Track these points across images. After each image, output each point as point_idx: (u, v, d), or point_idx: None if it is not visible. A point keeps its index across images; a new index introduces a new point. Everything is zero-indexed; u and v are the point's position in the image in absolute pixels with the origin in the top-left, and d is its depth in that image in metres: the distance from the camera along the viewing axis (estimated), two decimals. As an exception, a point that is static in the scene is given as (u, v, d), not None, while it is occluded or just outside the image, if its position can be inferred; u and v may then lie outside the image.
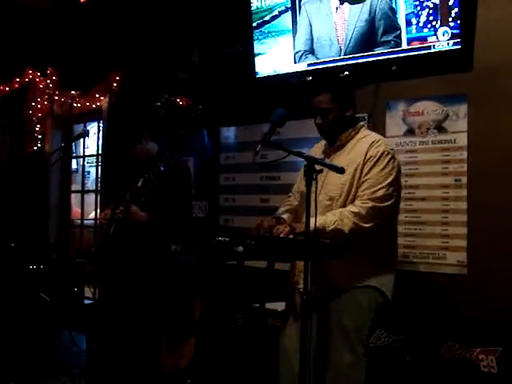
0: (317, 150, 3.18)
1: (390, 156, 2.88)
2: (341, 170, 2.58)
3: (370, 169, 2.86)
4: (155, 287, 3.84)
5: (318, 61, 4.04)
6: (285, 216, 3.12)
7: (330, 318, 2.92)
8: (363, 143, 2.95)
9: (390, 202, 2.84)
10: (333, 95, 2.97)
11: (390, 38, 3.65)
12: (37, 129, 6.75)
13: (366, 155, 2.89)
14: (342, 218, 2.77)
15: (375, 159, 2.86)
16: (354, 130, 3.01)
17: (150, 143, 3.90)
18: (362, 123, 3.20)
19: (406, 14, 3.55)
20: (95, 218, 6.44)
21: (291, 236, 2.78)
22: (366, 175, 2.86)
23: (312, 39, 4.07)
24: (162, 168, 3.57)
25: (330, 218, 2.76)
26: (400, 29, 3.60)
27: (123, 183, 4.01)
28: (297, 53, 4.18)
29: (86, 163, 7.05)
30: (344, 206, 2.88)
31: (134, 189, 3.66)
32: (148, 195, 3.63)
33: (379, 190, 2.82)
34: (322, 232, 2.68)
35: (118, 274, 3.92)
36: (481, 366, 2.89)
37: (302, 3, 4.10)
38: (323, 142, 3.16)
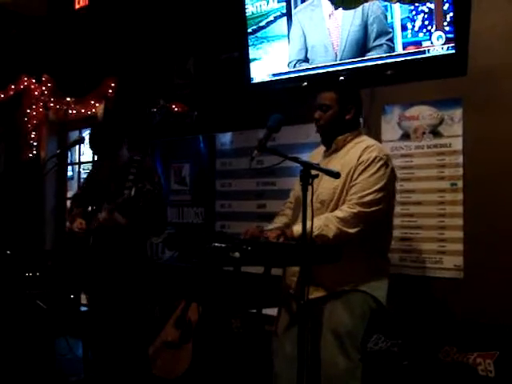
0: (316, 155, 3.18)
1: (382, 162, 2.87)
2: (336, 175, 2.58)
3: (360, 173, 2.86)
4: (135, 292, 3.83)
5: (313, 66, 4.05)
6: (275, 224, 3.14)
7: (323, 324, 2.92)
8: (358, 148, 2.95)
9: (377, 208, 2.82)
10: (337, 96, 2.99)
11: (383, 41, 3.67)
12: (32, 136, 6.74)
13: (358, 160, 2.89)
14: (327, 223, 2.77)
15: (366, 164, 2.86)
16: (352, 134, 3.01)
17: (125, 149, 3.91)
18: (360, 129, 3.20)
19: (402, 19, 3.57)
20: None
21: (281, 239, 2.78)
22: (355, 179, 2.86)
23: (306, 49, 4.07)
24: (148, 187, 3.60)
25: (316, 223, 2.75)
26: (393, 33, 3.62)
27: (95, 186, 4.01)
28: (291, 62, 4.19)
29: (81, 170, 7.03)
30: (335, 209, 2.88)
31: (112, 193, 3.70)
32: (126, 204, 3.65)
33: (367, 195, 2.81)
34: (308, 236, 2.69)
35: (103, 281, 3.91)
36: (478, 370, 2.89)
37: (293, 13, 4.12)
38: (322, 147, 3.16)
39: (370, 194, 2.81)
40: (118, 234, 3.75)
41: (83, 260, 3.91)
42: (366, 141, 3.01)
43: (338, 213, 2.80)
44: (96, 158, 5.03)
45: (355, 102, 3.05)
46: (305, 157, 3.06)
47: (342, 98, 3.00)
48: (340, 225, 2.76)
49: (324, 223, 2.76)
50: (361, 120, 3.76)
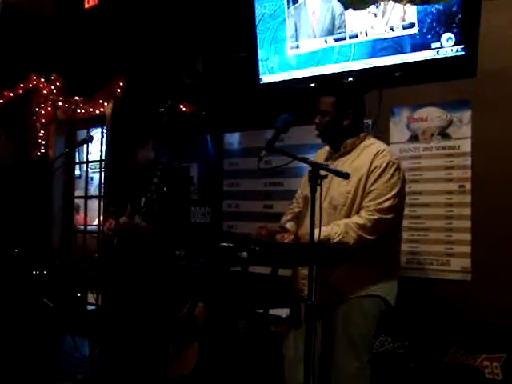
0: (321, 156, 3.17)
1: (395, 166, 2.86)
2: (345, 176, 2.58)
3: (376, 179, 2.84)
4: (158, 293, 3.85)
5: (321, 67, 4.05)
6: (288, 226, 3.12)
7: (335, 326, 2.91)
8: (368, 152, 2.93)
9: (395, 214, 2.83)
10: (335, 100, 2.96)
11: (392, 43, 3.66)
12: (40, 134, 6.76)
13: (370, 165, 2.87)
14: (347, 230, 2.75)
15: (380, 170, 2.85)
16: (360, 137, 3.00)
17: (152, 151, 3.95)
18: (366, 131, 3.19)
19: (411, 20, 3.55)
20: (98, 224, 6.45)
21: None
22: (371, 186, 2.84)
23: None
24: (164, 189, 3.62)
25: (334, 229, 2.74)
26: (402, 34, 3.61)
27: (124, 189, 4.06)
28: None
29: (89, 169, 7.05)
30: (348, 214, 2.86)
31: (136, 202, 3.72)
32: (149, 207, 3.68)
33: (385, 201, 2.80)
34: (326, 243, 2.69)
35: (122, 281, 3.94)
36: (485, 373, 2.88)
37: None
38: (327, 148, 3.15)
39: (388, 199, 2.80)
40: (140, 237, 3.78)
41: (108, 259, 3.95)
42: (375, 144, 2.99)
43: (358, 219, 2.79)
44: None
45: (355, 107, 3.00)
46: (312, 157, 3.05)
47: (340, 104, 2.96)
48: (361, 232, 2.75)
49: (344, 230, 2.75)
50: (369, 122, 3.78)
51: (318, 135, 3.08)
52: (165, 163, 3.91)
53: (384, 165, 2.85)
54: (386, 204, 2.80)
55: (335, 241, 2.72)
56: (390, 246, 2.98)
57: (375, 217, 2.77)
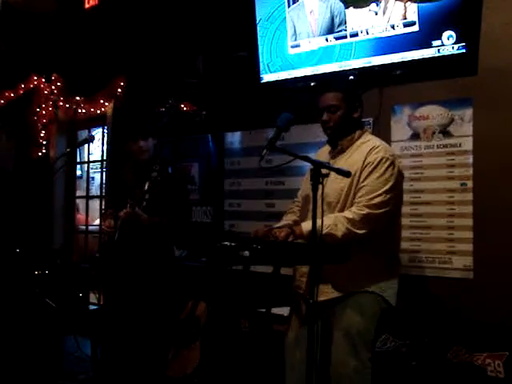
0: (321, 154, 3.18)
1: (388, 162, 2.86)
2: (347, 174, 2.59)
3: (368, 175, 2.85)
4: (160, 292, 3.85)
5: (322, 66, 4.05)
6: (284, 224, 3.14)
7: (333, 324, 2.91)
8: (363, 149, 2.94)
9: (386, 209, 2.82)
10: (343, 95, 2.97)
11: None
12: (42, 135, 6.77)
13: (364, 162, 2.88)
14: (336, 222, 2.77)
15: (373, 166, 2.85)
16: (357, 134, 3.00)
17: (153, 148, 3.97)
18: (365, 128, 3.19)
19: (411, 18, 3.55)
20: (100, 224, 6.45)
21: (290, 238, 2.78)
22: (363, 181, 2.85)
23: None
24: (169, 170, 3.64)
25: (325, 221, 2.74)
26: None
27: (122, 185, 4.07)
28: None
29: (90, 169, 7.05)
30: (342, 211, 2.87)
31: (137, 192, 3.73)
32: (149, 200, 3.69)
33: (376, 197, 2.80)
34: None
35: (122, 279, 3.94)
36: (487, 371, 2.88)
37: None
38: (327, 147, 3.15)
39: (378, 195, 2.80)
40: (141, 230, 3.79)
41: (108, 257, 3.96)
42: (371, 140, 3.00)
43: (348, 213, 2.80)
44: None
45: (358, 99, 3.04)
46: (313, 156, 3.05)
47: (348, 97, 2.99)
48: (349, 225, 2.76)
49: (333, 222, 2.76)
50: (371, 120, 3.78)
51: (329, 133, 3.05)
52: (163, 159, 3.93)
53: (377, 161, 2.85)
54: (377, 200, 2.80)
55: (324, 232, 2.70)
56: (388, 243, 2.99)
57: (364, 212, 2.78)
